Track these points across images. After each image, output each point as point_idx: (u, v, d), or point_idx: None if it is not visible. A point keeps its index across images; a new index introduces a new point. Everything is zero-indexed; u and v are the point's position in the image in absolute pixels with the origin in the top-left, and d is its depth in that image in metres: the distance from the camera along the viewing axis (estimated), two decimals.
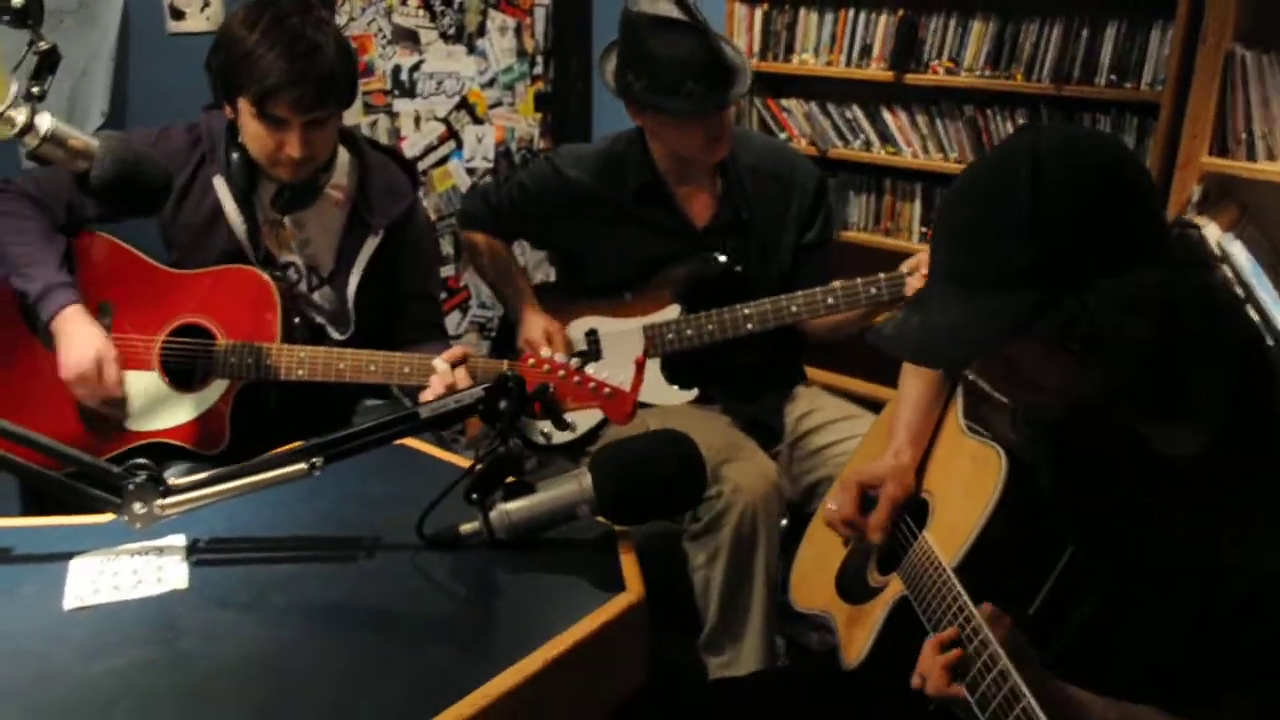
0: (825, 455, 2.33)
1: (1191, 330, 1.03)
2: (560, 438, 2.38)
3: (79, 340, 1.79)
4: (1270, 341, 1.12)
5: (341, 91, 1.88)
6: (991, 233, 1.06)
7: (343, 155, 2.03)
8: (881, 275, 2.17)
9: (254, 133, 1.85)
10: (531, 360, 1.72)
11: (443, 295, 3.31)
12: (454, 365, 1.81)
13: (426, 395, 1.81)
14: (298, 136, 1.83)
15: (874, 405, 2.26)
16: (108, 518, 1.26)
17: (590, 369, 1.74)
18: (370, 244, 2.02)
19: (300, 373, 1.88)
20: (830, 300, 2.20)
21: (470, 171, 3.33)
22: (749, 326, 2.25)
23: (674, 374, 2.37)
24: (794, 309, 2.23)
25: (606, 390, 1.69)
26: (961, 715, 1.11)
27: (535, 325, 2.33)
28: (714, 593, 2.18)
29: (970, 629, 1.11)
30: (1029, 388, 1.14)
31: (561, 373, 1.69)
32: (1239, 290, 2.24)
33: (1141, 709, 1.10)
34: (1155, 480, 1.13)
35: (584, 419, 2.37)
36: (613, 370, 1.74)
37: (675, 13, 2.16)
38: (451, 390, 1.75)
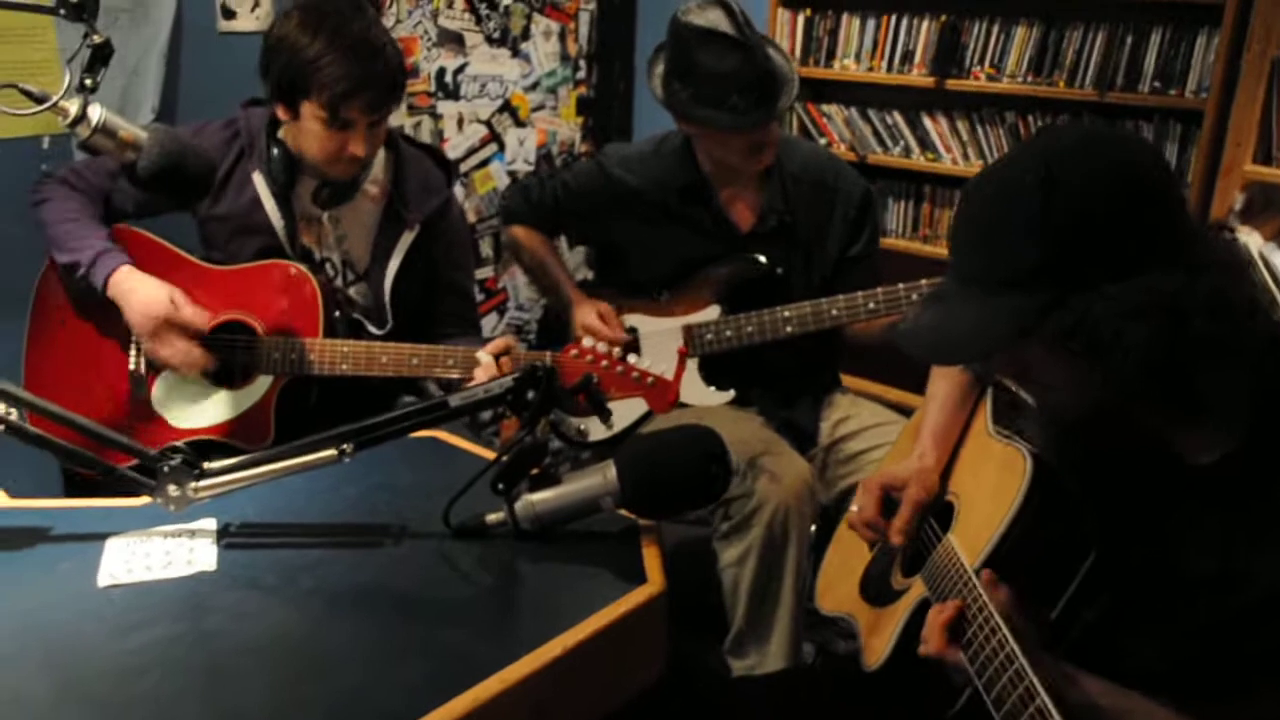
0: (860, 461, 2.33)
1: (1199, 336, 1.02)
2: (597, 434, 2.41)
3: (143, 289, 1.80)
4: None
5: (402, 88, 1.93)
6: (1002, 233, 1.07)
7: (379, 152, 2.06)
8: (924, 281, 2.16)
9: (317, 135, 1.88)
10: (574, 351, 1.73)
11: (481, 296, 3.36)
12: (498, 356, 1.84)
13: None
14: (363, 136, 1.87)
15: (910, 413, 2.23)
16: (143, 500, 1.29)
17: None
18: (406, 239, 2.04)
19: (344, 367, 1.90)
20: (871, 305, 2.19)
21: (512, 174, 3.36)
22: (789, 329, 2.25)
23: (711, 375, 2.37)
24: (834, 312, 2.22)
25: (650, 379, 1.70)
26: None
27: (588, 310, 2.35)
28: (742, 592, 2.18)
29: (989, 628, 1.11)
30: (1043, 388, 1.15)
31: (605, 363, 1.70)
32: (1276, 297, 2.20)
33: (1135, 697, 1.09)
34: (1176, 485, 1.12)
35: (620, 416, 2.38)
36: (650, 366, 1.75)
37: (725, 25, 2.17)
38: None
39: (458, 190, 3.21)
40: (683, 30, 2.22)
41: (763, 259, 2.34)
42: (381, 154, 2.07)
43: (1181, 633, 1.10)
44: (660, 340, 2.37)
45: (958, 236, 1.14)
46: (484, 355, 1.84)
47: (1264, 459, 1.05)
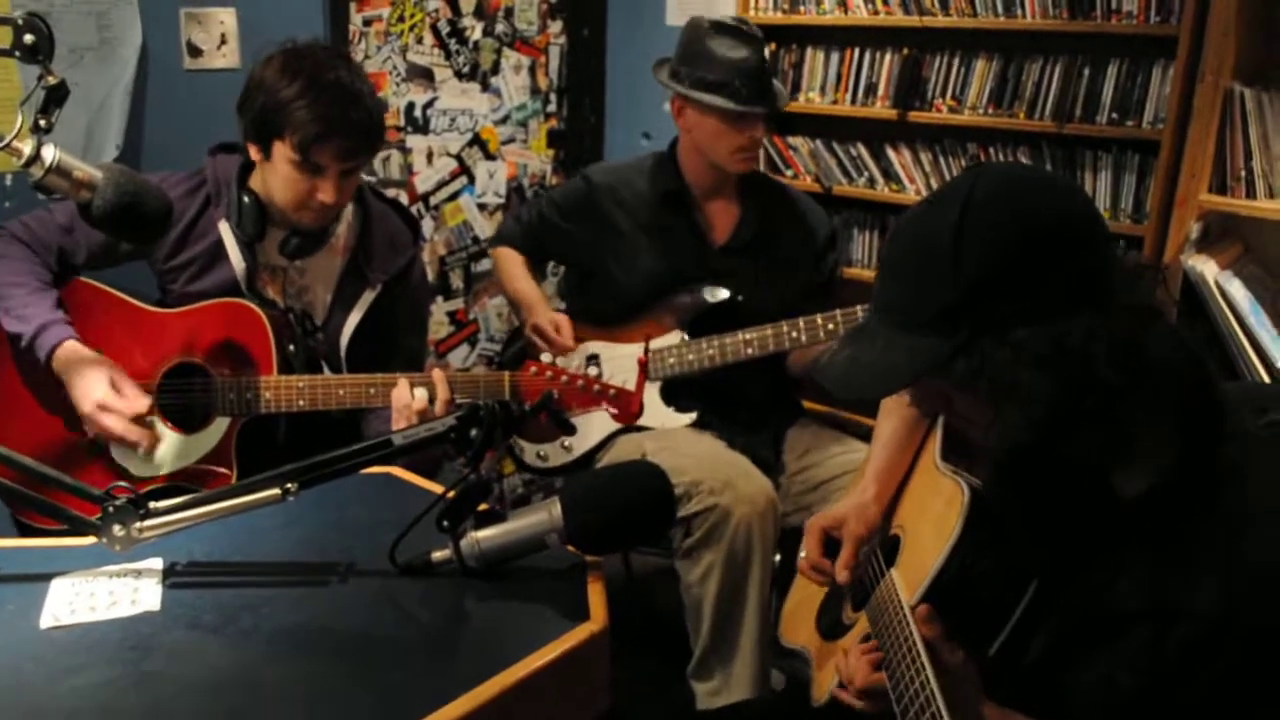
0: (823, 491, 2.34)
1: (1107, 381, 1.02)
2: (557, 459, 2.42)
3: (85, 369, 1.78)
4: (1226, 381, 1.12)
5: (378, 140, 1.94)
6: (918, 271, 1.08)
7: (347, 205, 2.06)
8: None
9: (286, 177, 1.88)
10: (533, 369, 1.75)
11: (451, 328, 3.37)
12: (413, 385, 1.86)
13: (395, 423, 1.85)
14: (333, 183, 1.87)
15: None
16: (90, 540, 1.29)
17: None
18: (367, 296, 2.05)
19: (300, 403, 1.90)
20: (830, 326, 2.23)
21: (481, 206, 3.38)
22: (749, 351, 2.29)
23: (672, 399, 2.40)
24: (794, 335, 2.26)
25: (611, 391, 1.71)
26: None
27: (543, 313, 2.42)
28: (706, 611, 2.18)
29: (915, 669, 1.11)
30: (963, 421, 1.16)
31: (564, 378, 1.71)
32: (1237, 327, 2.23)
33: None
34: (1109, 519, 1.14)
35: (579, 441, 2.39)
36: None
37: (734, 23, 2.35)
38: (422, 414, 1.82)
39: (427, 224, 3.23)
40: (697, 24, 2.38)
41: (724, 292, 2.38)
42: (349, 208, 2.07)
43: (1120, 667, 1.11)
44: (622, 364, 2.40)
45: (881, 273, 1.16)
46: (402, 381, 1.86)
47: (1190, 492, 1.07)
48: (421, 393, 1.86)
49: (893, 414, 1.60)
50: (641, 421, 2.36)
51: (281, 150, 1.86)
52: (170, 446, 1.92)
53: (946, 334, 1.05)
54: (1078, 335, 1.01)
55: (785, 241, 2.46)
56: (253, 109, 1.87)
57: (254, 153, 1.92)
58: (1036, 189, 1.09)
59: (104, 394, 1.76)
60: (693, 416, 2.39)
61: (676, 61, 2.39)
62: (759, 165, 2.47)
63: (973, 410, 1.11)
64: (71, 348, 1.81)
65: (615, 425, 2.33)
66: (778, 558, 2.23)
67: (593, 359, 2.44)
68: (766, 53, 2.36)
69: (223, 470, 1.91)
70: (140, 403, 1.77)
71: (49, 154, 1.41)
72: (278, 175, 1.90)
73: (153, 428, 1.81)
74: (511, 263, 2.59)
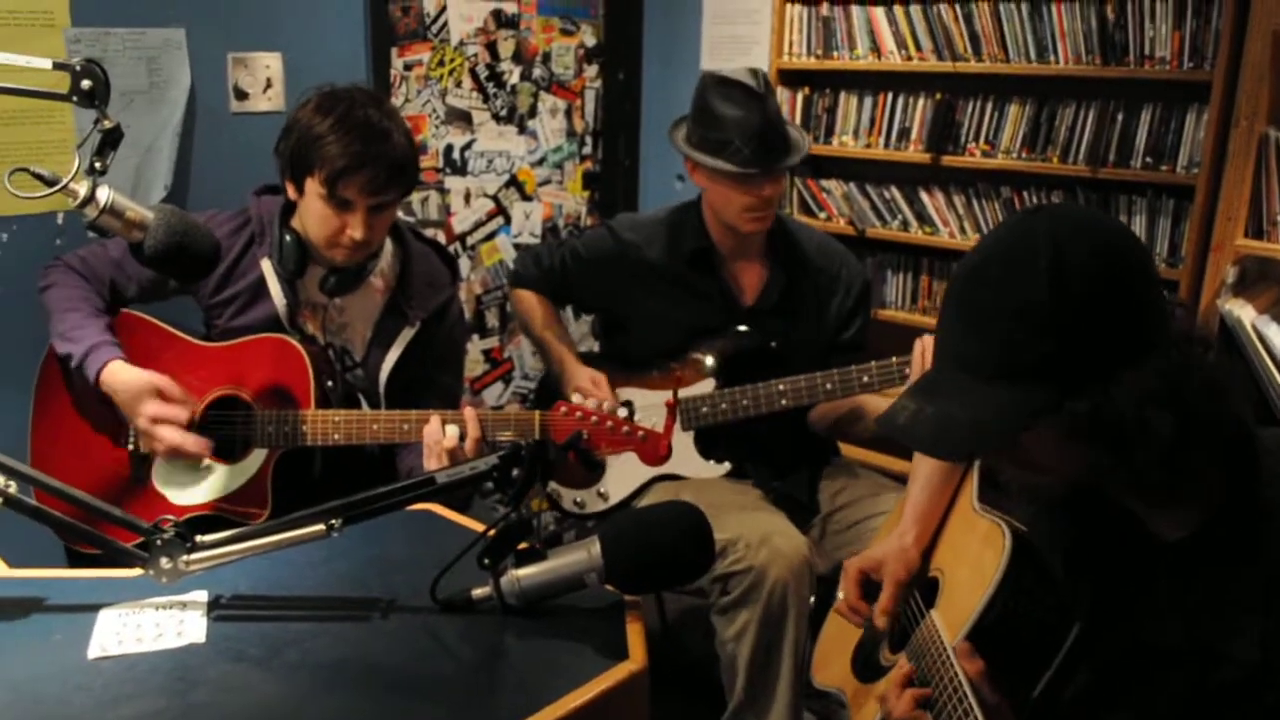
0: (858, 531, 2.33)
1: (1201, 415, 1.03)
2: (594, 507, 2.43)
3: (133, 385, 1.83)
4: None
5: (408, 178, 1.97)
6: (1010, 322, 1.04)
7: (386, 244, 2.11)
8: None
9: (318, 214, 1.93)
10: (564, 409, 1.76)
11: (486, 366, 3.40)
12: (445, 423, 1.88)
13: (427, 463, 1.87)
14: (362, 219, 1.91)
15: (907, 481, 2.26)
16: (137, 572, 1.31)
17: None
18: (406, 334, 2.09)
19: (336, 437, 1.93)
20: (865, 378, 2.22)
21: (518, 247, 3.42)
22: (784, 402, 2.28)
23: (707, 448, 2.40)
24: (829, 386, 2.25)
25: (640, 434, 1.72)
26: None
27: (582, 374, 2.39)
28: (740, 667, 2.18)
29: (963, 710, 1.11)
30: (1036, 470, 1.14)
31: (594, 419, 1.72)
32: (1275, 371, 2.22)
33: None
34: (1148, 565, 1.13)
35: (617, 488, 2.40)
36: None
37: (744, 78, 2.26)
38: (453, 454, 1.84)
39: (464, 263, 3.27)
40: (706, 80, 2.33)
41: (758, 334, 2.38)
42: (389, 247, 2.12)
43: (1159, 711, 1.10)
44: (655, 411, 2.40)
45: (954, 323, 1.11)
46: (433, 423, 1.88)
47: (1231, 536, 1.06)
48: (453, 429, 1.88)
49: (929, 458, 1.60)
50: (677, 471, 2.37)
51: (312, 186, 1.91)
52: (210, 476, 1.96)
53: (1048, 381, 1.03)
54: (1178, 369, 1.01)
55: (813, 303, 2.43)
56: (288, 147, 1.94)
57: (290, 191, 1.98)
58: (1110, 229, 1.09)
59: (155, 408, 1.82)
60: (727, 467, 2.38)
61: (689, 119, 2.36)
62: (769, 225, 2.37)
63: (1057, 458, 1.08)
64: (119, 367, 1.85)
65: (652, 472, 2.33)
66: (811, 599, 2.22)
67: (626, 405, 2.44)
68: (775, 107, 2.29)
69: (259, 500, 1.94)
70: (190, 402, 1.86)
71: (103, 195, 1.45)
72: (311, 212, 1.95)
73: (205, 440, 1.87)
74: (535, 309, 2.56)
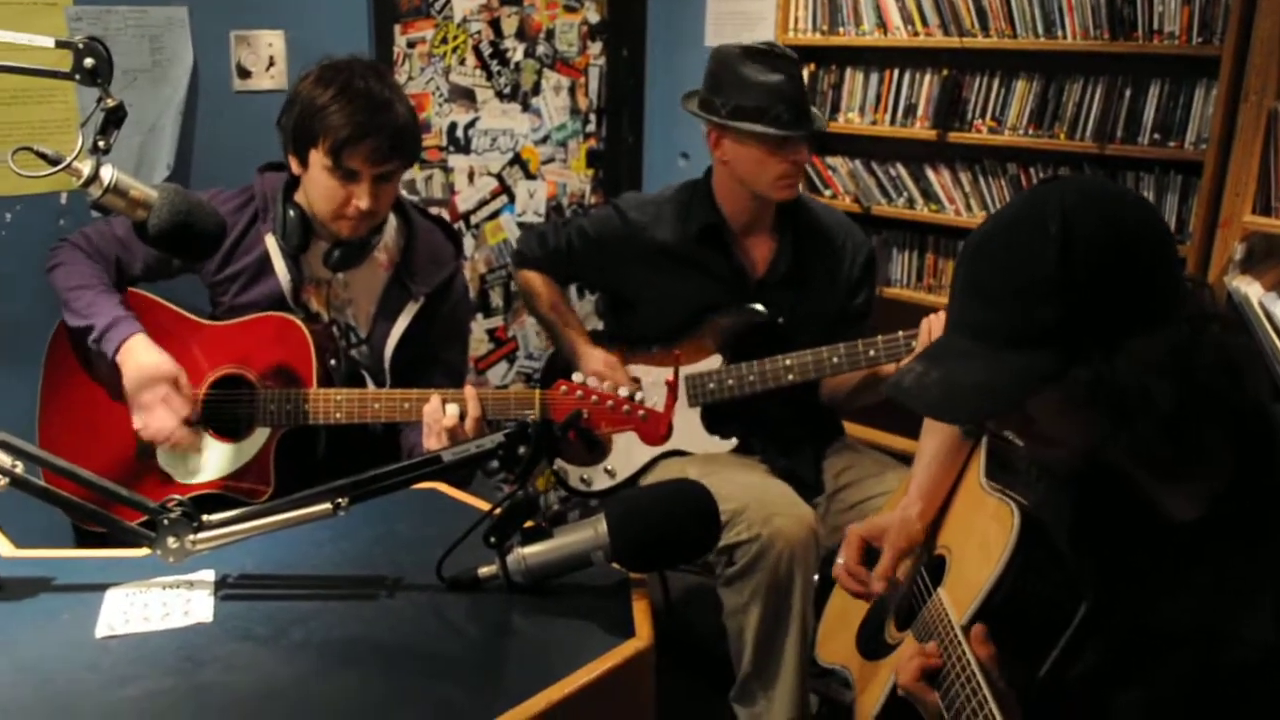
0: (862, 510, 2.34)
1: (1209, 389, 1.03)
2: (600, 484, 2.43)
3: (152, 359, 1.83)
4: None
5: (410, 147, 1.97)
6: (1018, 289, 1.05)
7: (390, 220, 2.10)
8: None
9: (323, 185, 1.93)
10: (563, 388, 1.76)
11: (490, 345, 3.39)
12: (445, 401, 1.88)
13: (426, 444, 1.87)
14: (367, 189, 1.91)
15: (911, 461, 2.26)
16: (144, 551, 1.31)
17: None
18: (410, 309, 2.09)
19: (338, 415, 1.93)
20: (871, 353, 2.22)
21: (522, 225, 3.41)
22: (790, 377, 2.28)
23: (714, 424, 2.40)
24: (835, 360, 2.25)
25: (640, 412, 1.71)
26: None
27: (594, 357, 2.39)
28: (748, 638, 2.18)
29: (970, 687, 1.11)
30: (1045, 442, 1.14)
31: (594, 398, 1.72)
32: (1275, 345, 2.21)
33: None
34: (1162, 544, 1.13)
35: (622, 466, 2.40)
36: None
37: (765, 47, 2.29)
38: (453, 433, 1.84)
39: (468, 242, 3.26)
40: (725, 53, 2.32)
41: (762, 308, 2.37)
42: (393, 223, 2.11)
43: (1168, 691, 1.10)
44: (662, 389, 2.39)
45: (964, 290, 1.12)
46: (435, 397, 1.88)
47: (1243, 516, 1.06)
48: (453, 408, 1.88)
49: (936, 432, 1.60)
50: (682, 446, 2.37)
51: (316, 158, 1.91)
52: (214, 455, 1.96)
53: (1054, 348, 1.03)
54: (1183, 341, 1.01)
55: (821, 272, 2.43)
56: (290, 120, 1.94)
57: (294, 166, 1.98)
58: (1122, 201, 1.08)
59: (164, 390, 1.83)
60: (734, 442, 2.38)
61: (707, 91, 2.35)
62: (797, 191, 2.41)
63: (1064, 427, 1.09)
64: (142, 343, 1.85)
65: (658, 449, 2.33)
66: (816, 578, 2.23)
67: (634, 382, 2.44)
68: (803, 74, 2.33)
69: (262, 479, 1.95)
70: (195, 402, 1.87)
71: (107, 174, 1.45)
72: (315, 184, 1.94)
73: (199, 433, 1.87)
74: (541, 291, 2.55)
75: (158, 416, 1.84)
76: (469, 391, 1.91)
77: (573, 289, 2.93)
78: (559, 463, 2.43)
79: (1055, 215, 1.04)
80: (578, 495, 2.50)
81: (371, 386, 2.05)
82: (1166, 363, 1.01)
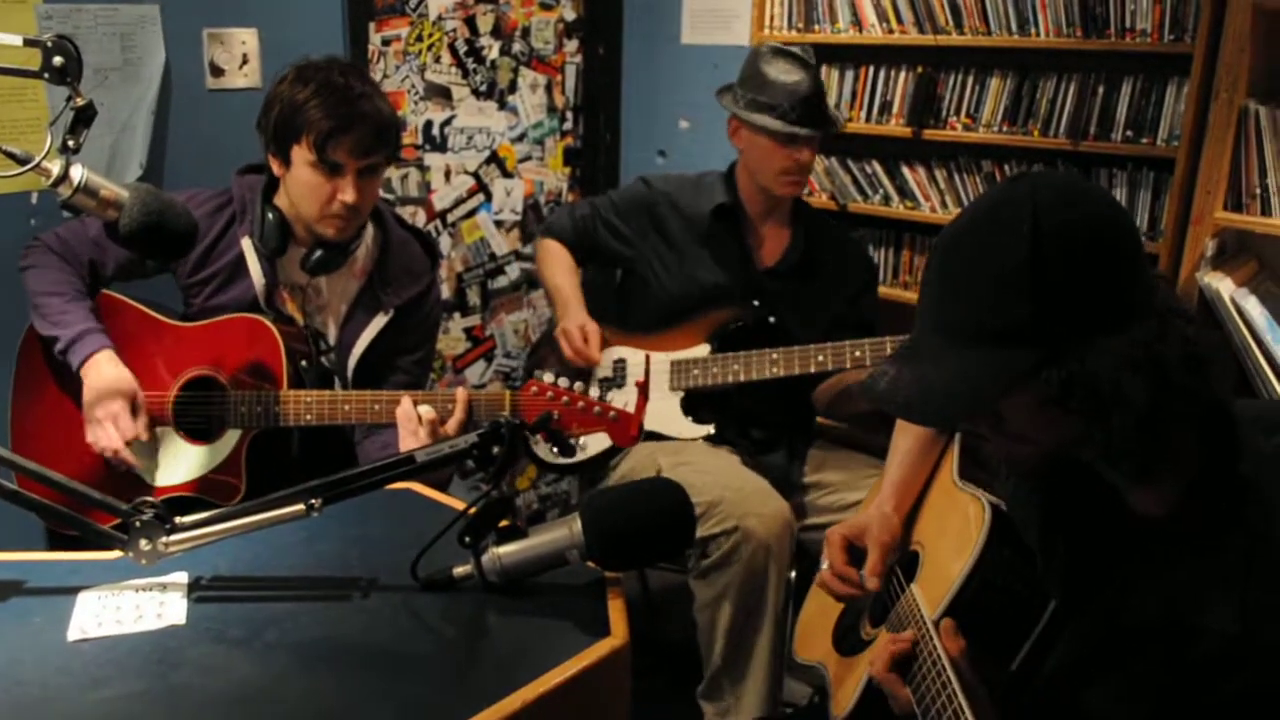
0: (839, 509, 2.35)
1: (1179, 386, 1.03)
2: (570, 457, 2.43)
3: (112, 374, 1.83)
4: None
5: (393, 140, 1.98)
6: (990, 286, 1.05)
7: (367, 228, 2.10)
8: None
9: (308, 183, 1.92)
10: (534, 389, 1.76)
11: (468, 344, 3.39)
12: (417, 403, 1.88)
13: (402, 443, 1.87)
14: (352, 182, 1.91)
15: (885, 457, 2.27)
16: (116, 554, 1.30)
17: (611, 396, 1.78)
18: (379, 321, 2.08)
19: (308, 417, 1.93)
20: (857, 354, 2.23)
21: (499, 224, 3.40)
22: (775, 370, 2.30)
23: (691, 410, 2.41)
24: (820, 358, 2.27)
25: (611, 414, 1.71)
26: None
27: (575, 318, 2.43)
28: (719, 631, 2.18)
29: (940, 681, 1.12)
30: (1016, 440, 1.14)
31: (565, 398, 1.72)
32: (1253, 344, 2.23)
33: None
34: (1129, 541, 1.14)
35: (596, 440, 2.40)
36: (631, 399, 1.77)
37: (792, 50, 2.43)
38: (431, 430, 1.84)
39: (445, 241, 3.25)
40: (759, 51, 2.47)
41: (759, 307, 2.41)
42: (370, 230, 2.10)
43: (1137, 685, 1.11)
44: (641, 372, 2.40)
45: (935, 288, 1.12)
46: (405, 402, 1.88)
47: (1207, 513, 1.07)
48: (426, 409, 1.87)
49: (910, 429, 1.60)
50: (658, 430, 2.38)
51: (300, 154, 1.90)
52: (185, 456, 1.95)
53: (1026, 346, 1.03)
54: (1156, 338, 1.01)
55: (827, 272, 2.52)
56: (270, 120, 1.93)
57: (276, 167, 1.96)
58: (1093, 196, 1.08)
59: (119, 407, 1.83)
60: (709, 429, 2.40)
61: (737, 85, 2.47)
62: (802, 190, 2.54)
63: (1034, 425, 1.09)
64: (106, 357, 1.85)
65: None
66: (793, 574, 2.23)
67: (619, 364, 2.46)
68: (820, 80, 2.46)
69: (234, 480, 1.94)
70: (140, 426, 1.87)
71: (77, 174, 1.44)
72: (299, 183, 1.93)
73: (147, 451, 1.89)
74: (555, 256, 2.62)
75: (106, 433, 1.84)
76: (459, 394, 1.90)
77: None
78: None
79: (1027, 212, 1.03)
80: (547, 467, 2.52)
81: (340, 390, 2.04)
82: (1139, 359, 1.01)
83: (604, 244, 2.63)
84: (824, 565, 1.56)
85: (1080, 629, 1.17)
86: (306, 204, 1.94)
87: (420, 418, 1.86)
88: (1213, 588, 1.05)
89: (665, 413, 2.38)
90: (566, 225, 2.65)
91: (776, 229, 2.53)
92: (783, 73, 2.38)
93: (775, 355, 2.31)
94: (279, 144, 1.93)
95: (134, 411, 1.85)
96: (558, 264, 2.60)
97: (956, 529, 1.38)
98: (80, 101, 1.43)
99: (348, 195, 1.91)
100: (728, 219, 2.49)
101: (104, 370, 1.84)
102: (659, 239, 2.53)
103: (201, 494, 1.93)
